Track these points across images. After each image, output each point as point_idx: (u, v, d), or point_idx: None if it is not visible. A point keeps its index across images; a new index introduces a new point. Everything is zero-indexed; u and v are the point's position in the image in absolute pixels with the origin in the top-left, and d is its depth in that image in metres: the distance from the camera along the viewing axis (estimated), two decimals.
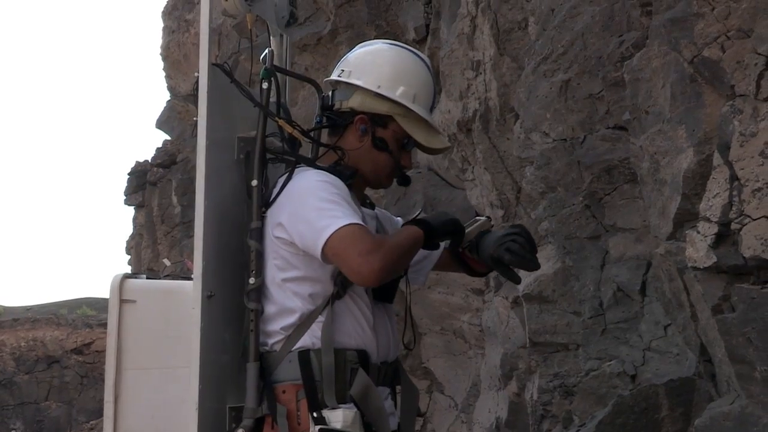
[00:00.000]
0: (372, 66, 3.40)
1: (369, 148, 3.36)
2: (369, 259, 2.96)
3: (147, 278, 3.59)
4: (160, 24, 19.89)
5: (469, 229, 3.45)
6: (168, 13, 19.43)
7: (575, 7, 6.16)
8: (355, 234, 3.01)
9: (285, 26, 3.69)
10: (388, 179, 3.46)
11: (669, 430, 5.18)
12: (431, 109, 3.47)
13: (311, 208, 3.10)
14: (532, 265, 3.35)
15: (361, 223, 3.07)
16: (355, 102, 3.36)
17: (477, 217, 3.57)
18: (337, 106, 3.40)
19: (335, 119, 3.39)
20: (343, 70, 3.43)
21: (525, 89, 6.54)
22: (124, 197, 23.47)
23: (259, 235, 3.23)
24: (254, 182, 3.26)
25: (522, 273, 6.58)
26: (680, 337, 5.17)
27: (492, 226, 3.53)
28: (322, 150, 3.44)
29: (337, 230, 3.00)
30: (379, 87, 3.33)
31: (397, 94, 3.33)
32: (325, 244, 3.02)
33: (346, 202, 3.13)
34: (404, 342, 3.52)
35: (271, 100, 3.39)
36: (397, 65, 3.41)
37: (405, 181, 3.48)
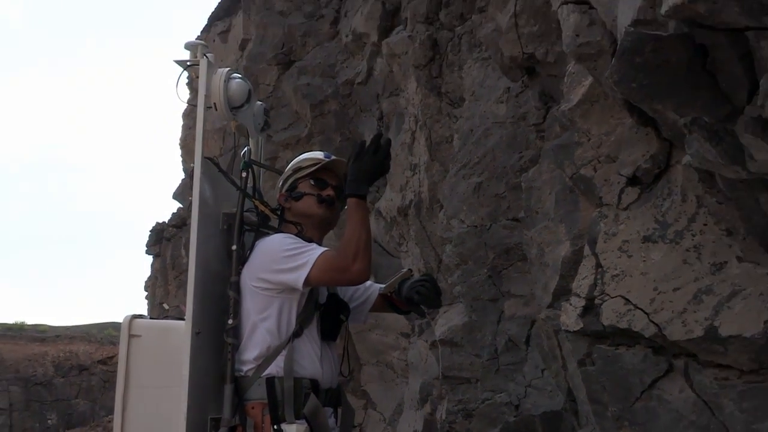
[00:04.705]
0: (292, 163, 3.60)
1: (296, 204, 3.46)
2: (352, 269, 3.07)
3: (150, 318, 3.61)
4: (181, 122, 20.14)
5: (392, 279, 3.51)
6: (187, 115, 19.59)
7: (488, 129, 6.19)
8: (328, 258, 3.11)
9: (260, 131, 3.73)
10: (319, 209, 3.46)
11: None
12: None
13: (285, 255, 3.15)
14: (435, 304, 3.43)
15: (324, 248, 3.18)
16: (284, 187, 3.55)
17: (401, 269, 3.64)
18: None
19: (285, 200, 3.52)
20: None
21: (448, 187, 6.55)
22: (146, 248, 23.26)
23: (237, 287, 3.25)
24: (234, 247, 3.29)
25: (441, 322, 6.64)
26: (554, 381, 5.13)
27: (412, 274, 3.54)
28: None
29: (315, 263, 3.09)
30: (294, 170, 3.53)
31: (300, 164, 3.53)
32: (308, 278, 3.08)
33: (306, 243, 3.22)
34: (342, 372, 3.48)
35: (250, 185, 3.46)
36: (301, 159, 3.58)
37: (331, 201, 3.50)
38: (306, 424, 3.10)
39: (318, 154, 3.53)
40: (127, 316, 3.42)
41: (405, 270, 3.59)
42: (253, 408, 3.16)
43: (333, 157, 3.50)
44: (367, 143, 3.21)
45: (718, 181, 3.27)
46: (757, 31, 2.48)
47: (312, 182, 3.44)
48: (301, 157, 3.58)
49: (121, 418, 3.33)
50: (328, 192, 3.44)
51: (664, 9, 2.58)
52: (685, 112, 2.92)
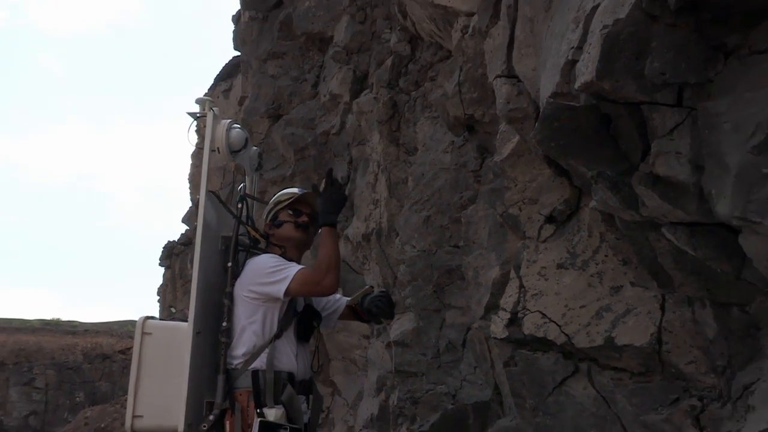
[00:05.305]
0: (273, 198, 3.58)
1: (278, 230, 3.44)
2: (323, 283, 3.08)
3: (160, 319, 3.52)
4: (189, 161, 20.12)
5: (357, 294, 3.53)
6: (194, 155, 19.58)
7: (436, 174, 6.20)
8: (304, 274, 3.11)
9: (255, 170, 3.71)
10: (297, 233, 3.44)
11: None
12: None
13: (269, 271, 3.15)
14: (389, 316, 3.50)
15: (302, 266, 3.19)
16: (267, 218, 3.52)
17: (364, 286, 3.66)
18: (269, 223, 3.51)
19: (269, 228, 3.49)
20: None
21: (403, 219, 6.53)
22: (159, 261, 23.12)
23: (231, 296, 3.23)
24: (229, 264, 3.28)
25: (394, 327, 6.59)
26: (484, 377, 5.11)
27: (372, 290, 3.57)
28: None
29: (293, 278, 3.09)
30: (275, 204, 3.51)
31: (279, 198, 3.52)
32: (288, 289, 3.09)
33: (287, 262, 3.22)
34: (313, 367, 3.48)
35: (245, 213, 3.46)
36: (280, 194, 3.57)
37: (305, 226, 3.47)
38: (283, 409, 3.09)
39: (293, 190, 3.55)
40: (141, 317, 3.37)
41: (367, 287, 3.64)
42: (240, 395, 3.14)
43: (305, 191, 3.50)
44: (322, 186, 3.25)
45: (617, 222, 3.30)
46: (650, 105, 2.52)
47: (290, 212, 3.44)
48: (280, 192, 3.57)
49: (133, 400, 3.28)
50: (303, 219, 3.45)
51: (577, 85, 2.61)
52: (592, 167, 2.94)
